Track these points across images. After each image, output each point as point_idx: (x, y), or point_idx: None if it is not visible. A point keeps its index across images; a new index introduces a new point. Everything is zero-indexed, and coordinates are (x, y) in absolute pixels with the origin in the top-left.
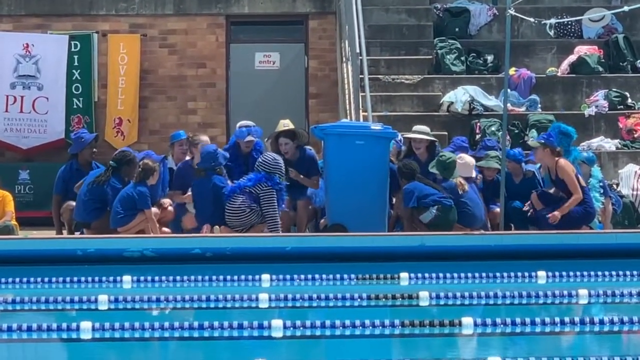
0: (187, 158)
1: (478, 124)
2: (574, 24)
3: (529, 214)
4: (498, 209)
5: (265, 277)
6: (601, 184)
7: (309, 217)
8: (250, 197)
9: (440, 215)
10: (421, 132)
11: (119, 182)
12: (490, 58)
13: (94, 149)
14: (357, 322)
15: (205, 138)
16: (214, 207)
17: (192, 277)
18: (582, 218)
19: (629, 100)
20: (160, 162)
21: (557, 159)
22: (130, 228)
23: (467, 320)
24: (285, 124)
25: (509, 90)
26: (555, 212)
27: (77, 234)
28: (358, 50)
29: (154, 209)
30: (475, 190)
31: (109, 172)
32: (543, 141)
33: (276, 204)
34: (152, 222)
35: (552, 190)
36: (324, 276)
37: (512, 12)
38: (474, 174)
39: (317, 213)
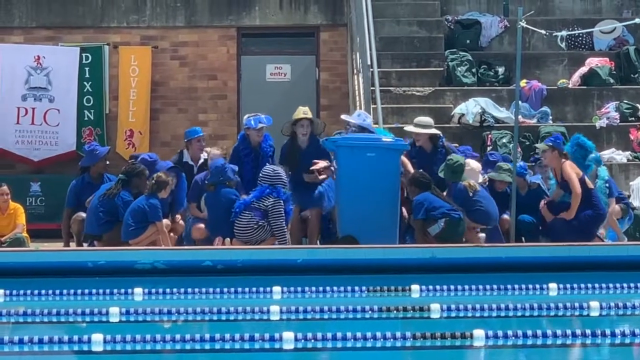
0: (204, 155)
1: (489, 135)
2: (585, 35)
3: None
4: (507, 216)
5: (277, 289)
6: (607, 184)
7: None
8: (258, 212)
9: (447, 229)
10: (420, 124)
11: (129, 195)
12: (501, 70)
13: (107, 162)
14: (369, 335)
15: (216, 152)
16: (227, 220)
17: (203, 290)
18: (592, 221)
19: None
20: (176, 175)
21: (563, 161)
22: (141, 240)
23: (479, 333)
24: (305, 112)
25: (520, 102)
26: (563, 215)
27: (85, 246)
28: (369, 62)
29: (165, 221)
30: (486, 188)
31: (119, 185)
32: (551, 144)
33: (284, 215)
34: (163, 234)
35: (557, 192)
36: (335, 288)
37: (523, 24)
38: (480, 179)
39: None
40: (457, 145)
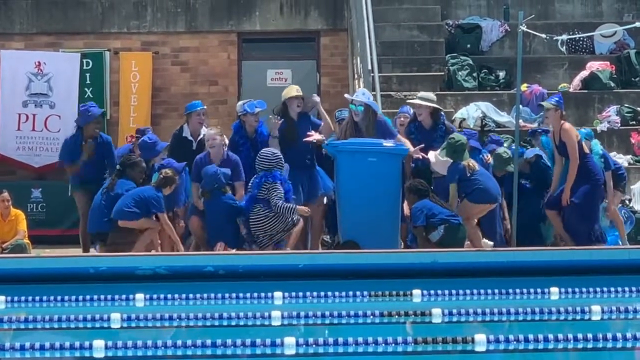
0: (204, 129)
1: None
2: (585, 39)
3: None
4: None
5: (278, 294)
6: (602, 158)
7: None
8: (265, 202)
9: (447, 235)
10: (423, 98)
11: (129, 182)
12: (502, 74)
13: (98, 124)
14: (370, 339)
15: (210, 132)
16: (226, 226)
17: (205, 295)
18: (593, 191)
19: None
20: (182, 171)
21: (562, 122)
22: (131, 226)
23: (480, 337)
24: (297, 89)
25: (520, 106)
26: (563, 195)
27: (91, 251)
28: (370, 67)
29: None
30: (483, 169)
31: (115, 176)
32: (555, 104)
33: (282, 194)
34: (166, 224)
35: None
36: (336, 293)
37: (523, 28)
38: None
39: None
40: None
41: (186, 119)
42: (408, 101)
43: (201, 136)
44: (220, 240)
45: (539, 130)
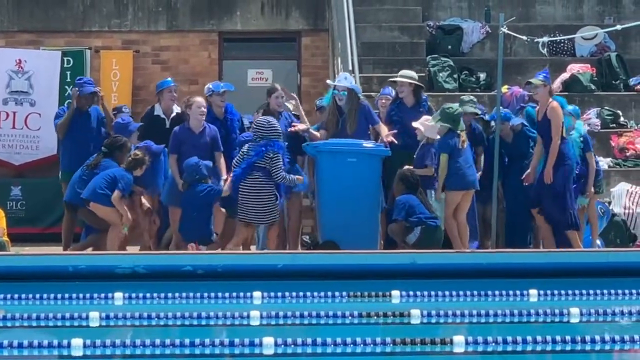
0: (176, 108)
1: None
2: (566, 42)
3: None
4: None
5: (257, 294)
6: (582, 138)
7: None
8: (263, 171)
9: (423, 237)
10: (405, 76)
11: (113, 163)
12: (482, 76)
13: (89, 102)
14: (349, 340)
15: (199, 99)
16: (201, 217)
17: (184, 294)
18: (566, 176)
19: (621, 119)
20: (161, 152)
21: (551, 100)
22: (100, 213)
23: (459, 339)
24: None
25: (501, 107)
26: (545, 174)
27: (69, 249)
28: (351, 68)
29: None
30: (469, 151)
31: (100, 156)
32: (544, 80)
33: (282, 166)
34: (119, 205)
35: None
36: (315, 294)
37: (504, 30)
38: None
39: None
40: None
41: (158, 98)
42: (390, 79)
43: (174, 114)
44: (192, 231)
45: (526, 106)
